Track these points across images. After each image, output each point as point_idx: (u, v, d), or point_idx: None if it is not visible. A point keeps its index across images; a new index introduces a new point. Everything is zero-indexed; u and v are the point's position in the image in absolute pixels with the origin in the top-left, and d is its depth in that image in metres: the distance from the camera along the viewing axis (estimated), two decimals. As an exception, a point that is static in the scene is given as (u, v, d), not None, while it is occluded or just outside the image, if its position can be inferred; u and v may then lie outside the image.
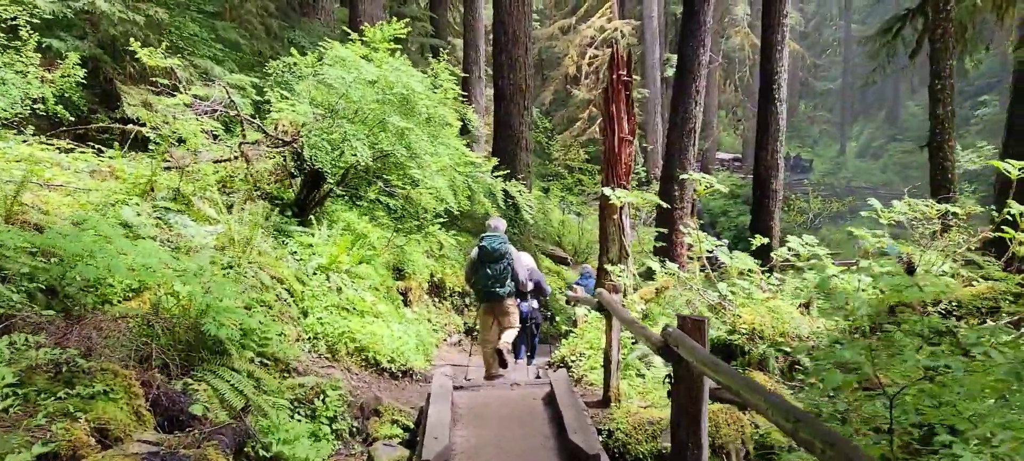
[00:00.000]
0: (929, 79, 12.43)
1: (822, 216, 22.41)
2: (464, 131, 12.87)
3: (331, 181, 7.83)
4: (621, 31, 38.25)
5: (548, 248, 20.81)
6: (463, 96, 9.91)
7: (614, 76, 9.65)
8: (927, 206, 7.27)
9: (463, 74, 17.11)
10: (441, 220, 10.62)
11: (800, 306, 7.22)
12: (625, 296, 8.03)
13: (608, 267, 8.90)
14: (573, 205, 24.79)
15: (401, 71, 8.19)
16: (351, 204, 10.06)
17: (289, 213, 8.29)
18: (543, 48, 40.88)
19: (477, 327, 8.70)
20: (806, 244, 7.54)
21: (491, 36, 19.16)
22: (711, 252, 8.39)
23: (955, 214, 7.44)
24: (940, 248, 7.04)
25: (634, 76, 9.49)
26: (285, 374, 5.92)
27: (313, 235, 7.88)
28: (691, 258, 19.37)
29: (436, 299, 10.67)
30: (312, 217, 8.29)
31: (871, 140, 53.48)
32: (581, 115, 38.01)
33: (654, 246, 15.08)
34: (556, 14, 42.74)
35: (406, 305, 9.89)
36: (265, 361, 5.75)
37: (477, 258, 7.21)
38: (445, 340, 10.41)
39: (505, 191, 10.30)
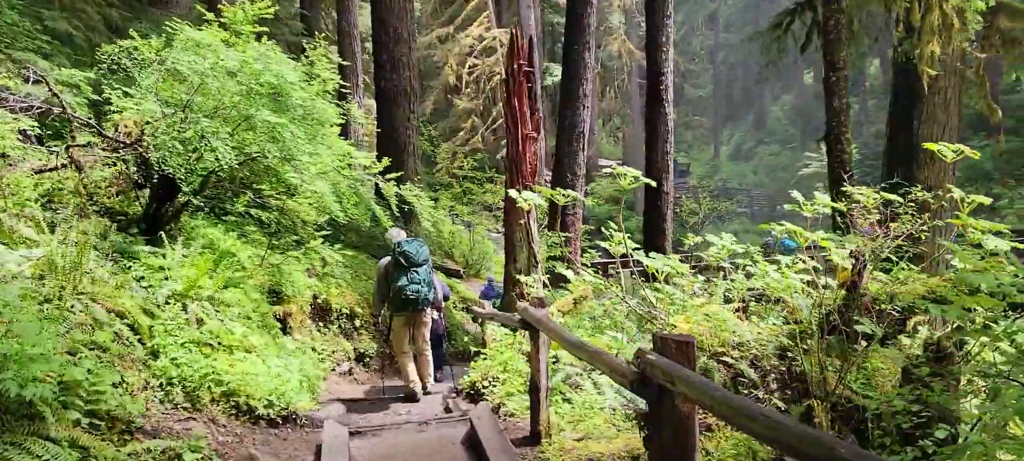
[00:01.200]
0: (824, 73, 12.36)
1: (710, 217, 22.62)
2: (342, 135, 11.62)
3: (187, 190, 6.41)
4: (500, 40, 37.86)
5: (440, 261, 19.70)
6: (339, 105, 8.71)
7: (514, 66, 8.75)
8: (862, 195, 6.74)
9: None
10: (323, 233, 9.30)
11: (737, 311, 6.54)
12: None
13: (521, 278, 7.95)
14: (462, 215, 23.81)
15: (270, 58, 6.91)
16: (216, 219, 8.60)
17: (135, 231, 6.80)
18: (422, 58, 39.85)
19: (384, 345, 8.62)
20: (732, 242, 6.92)
21: (370, 37, 17.89)
22: (624, 256, 7.64)
23: (899, 201, 6.94)
24: (889, 239, 6.51)
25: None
26: (126, 436, 4.55)
27: (165, 256, 6.44)
28: (585, 265, 18.90)
29: (320, 323, 9.35)
30: (164, 234, 6.83)
31: (741, 143, 55.91)
32: (464, 125, 37.29)
33: (549, 253, 14.31)
34: (433, 23, 41.86)
35: (286, 333, 8.54)
36: (98, 421, 4.37)
37: (394, 265, 6.97)
38: (333, 369, 9.11)
39: (399, 196, 9.14)
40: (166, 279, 6.20)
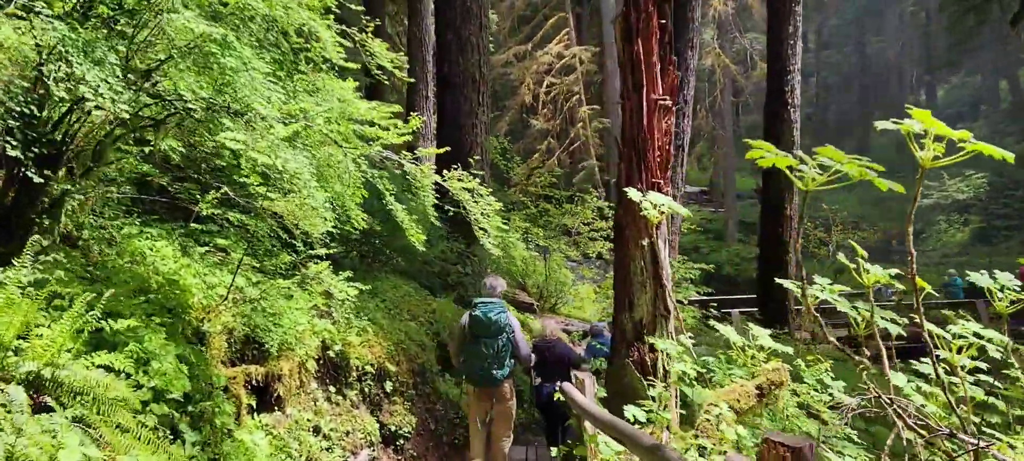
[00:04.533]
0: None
1: (845, 248, 18.74)
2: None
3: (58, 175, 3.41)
4: (580, 58, 35.30)
5: (509, 292, 16.49)
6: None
7: (638, -6, 5.46)
8: None
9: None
10: (333, 249, 6.16)
11: None
12: (697, 417, 3.79)
13: (656, 341, 4.64)
14: (537, 238, 20.60)
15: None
16: (171, 224, 5.63)
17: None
18: (497, 77, 37.49)
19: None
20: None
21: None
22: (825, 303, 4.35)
23: None
24: None
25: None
26: None
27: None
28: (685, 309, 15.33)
29: (331, 387, 6.24)
30: (40, 239, 3.81)
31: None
32: (539, 146, 34.73)
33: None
34: (510, 41, 39.48)
35: (270, 408, 5.48)
36: None
37: (468, 330, 5.96)
38: (346, 460, 6.00)
39: (440, 192, 5.90)
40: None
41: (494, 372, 5.85)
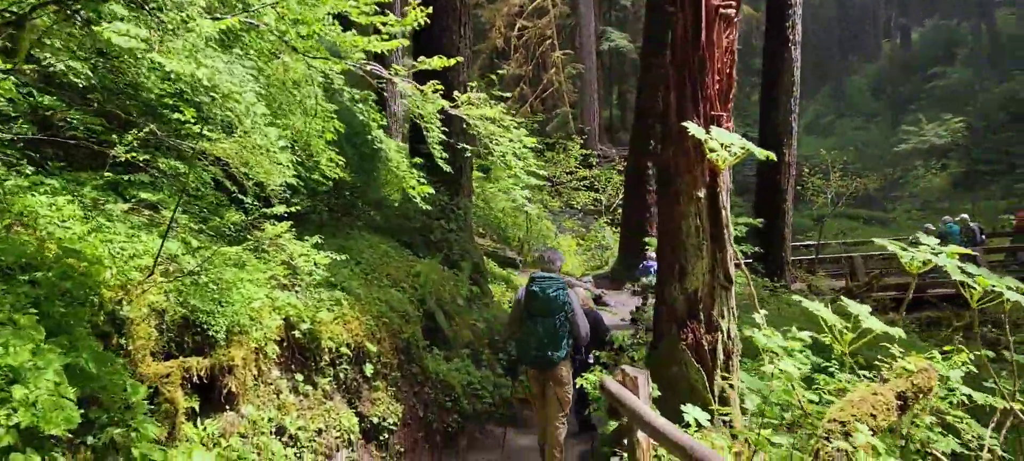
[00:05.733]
0: None
1: (845, 198, 17.69)
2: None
3: None
4: (552, 0, 34.00)
5: (491, 247, 15.35)
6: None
7: None
8: None
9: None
10: (297, 205, 4.84)
11: None
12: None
13: (723, 323, 3.52)
14: (516, 189, 19.38)
15: None
16: (81, 176, 4.30)
17: None
18: (467, 18, 35.62)
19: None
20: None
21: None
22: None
23: None
24: None
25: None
26: None
27: None
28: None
29: (298, 374, 5.02)
30: None
31: (818, 116, 50.26)
32: (511, 92, 33.37)
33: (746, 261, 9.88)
34: (480, -20, 37.66)
35: (220, 408, 4.28)
36: None
37: (525, 307, 5.44)
38: (318, 468, 4.83)
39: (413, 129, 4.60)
40: None
41: (549, 354, 5.33)
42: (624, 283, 15.84)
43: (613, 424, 4.77)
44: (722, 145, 3.69)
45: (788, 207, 15.46)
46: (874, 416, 2.68)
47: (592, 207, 21.92)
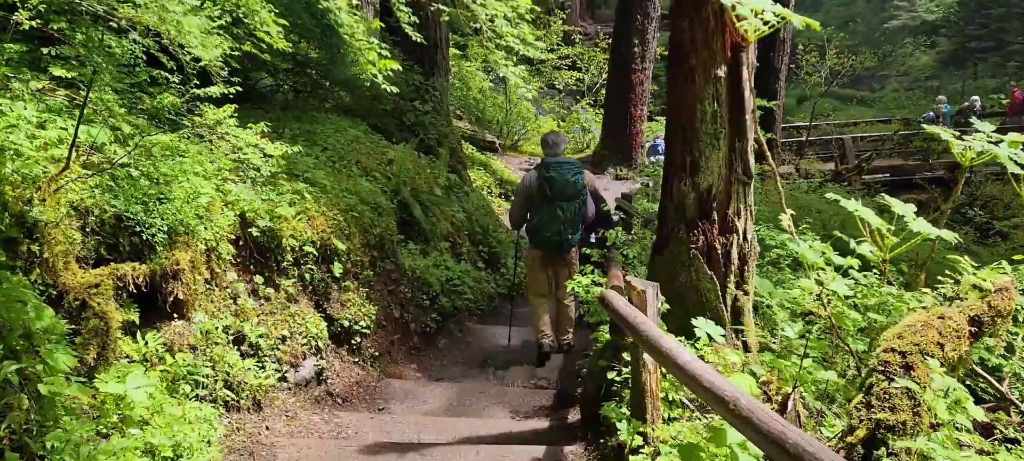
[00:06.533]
0: None
1: (838, 77, 16.94)
2: None
3: None
4: None
5: (469, 130, 14.64)
6: None
7: None
8: None
9: None
10: (233, 86, 4.11)
11: None
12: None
13: (739, 223, 3.02)
14: (496, 66, 18.44)
15: None
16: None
17: None
18: None
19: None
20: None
21: None
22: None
23: None
24: None
25: None
26: None
27: None
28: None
29: (259, 275, 4.49)
30: None
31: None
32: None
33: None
34: None
35: (167, 318, 3.77)
36: None
37: (538, 192, 5.44)
38: (282, 379, 4.39)
39: None
40: None
41: (569, 237, 5.53)
42: (607, 167, 15.32)
43: (606, 332, 4.35)
44: (753, 12, 3.07)
45: (781, 86, 14.82)
46: (941, 345, 2.23)
47: (574, 87, 21.04)
